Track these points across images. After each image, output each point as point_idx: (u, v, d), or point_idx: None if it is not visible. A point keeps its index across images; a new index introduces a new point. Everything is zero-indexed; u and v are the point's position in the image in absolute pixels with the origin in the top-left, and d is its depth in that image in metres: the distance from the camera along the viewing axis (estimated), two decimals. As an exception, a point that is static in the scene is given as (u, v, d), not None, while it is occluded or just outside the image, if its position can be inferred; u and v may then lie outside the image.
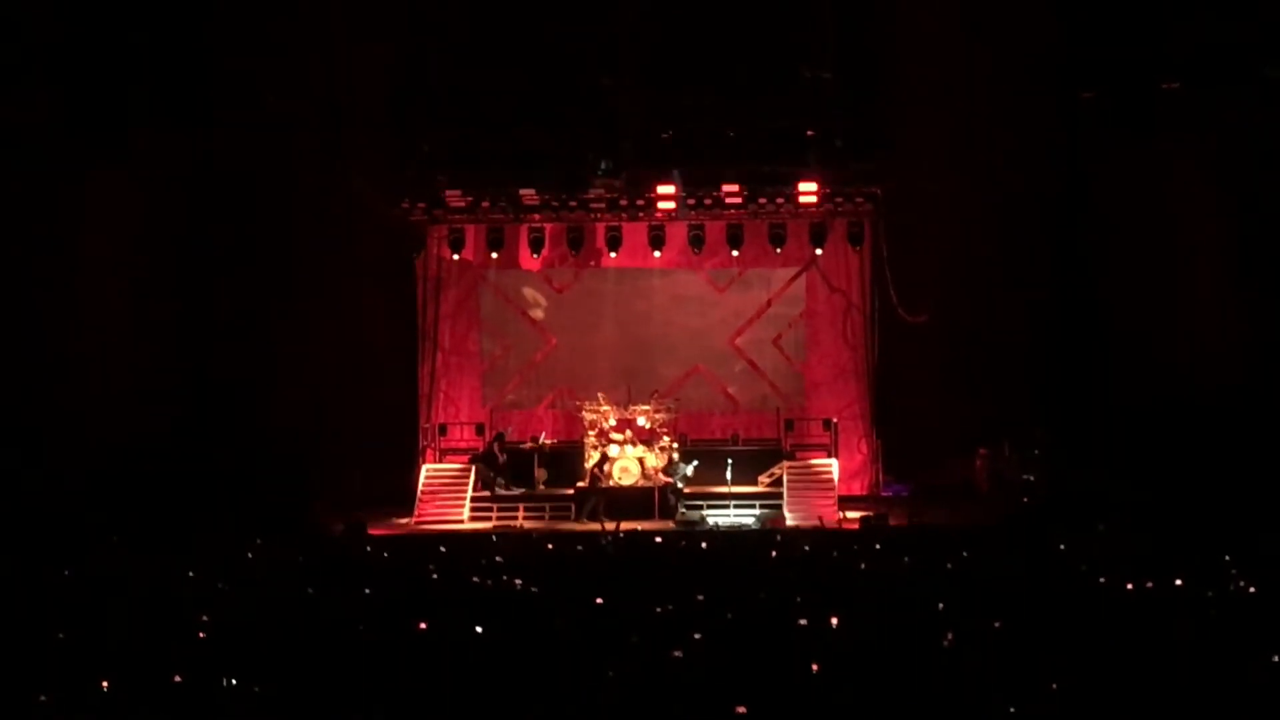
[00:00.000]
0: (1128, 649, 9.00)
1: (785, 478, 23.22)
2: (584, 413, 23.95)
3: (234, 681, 8.55)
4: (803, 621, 10.32)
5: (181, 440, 21.61)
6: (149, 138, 21.70)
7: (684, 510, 22.42)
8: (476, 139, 23.55)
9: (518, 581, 13.14)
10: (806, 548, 16.35)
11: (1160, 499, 18.99)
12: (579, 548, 17.09)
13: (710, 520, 22.19)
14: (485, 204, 24.63)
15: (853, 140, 23.09)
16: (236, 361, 22.76)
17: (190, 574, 14.34)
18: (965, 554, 14.95)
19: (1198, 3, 20.52)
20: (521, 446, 24.26)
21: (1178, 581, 12.32)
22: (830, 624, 10.41)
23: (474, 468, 23.79)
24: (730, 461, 22.86)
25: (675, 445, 23.51)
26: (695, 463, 23.03)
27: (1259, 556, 13.78)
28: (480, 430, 25.10)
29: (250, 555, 16.40)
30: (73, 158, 21.05)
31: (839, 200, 24.23)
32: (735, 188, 23.94)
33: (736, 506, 22.67)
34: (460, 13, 23.55)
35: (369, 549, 17.85)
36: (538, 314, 26.13)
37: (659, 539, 17.85)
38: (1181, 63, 20.68)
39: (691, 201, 24.39)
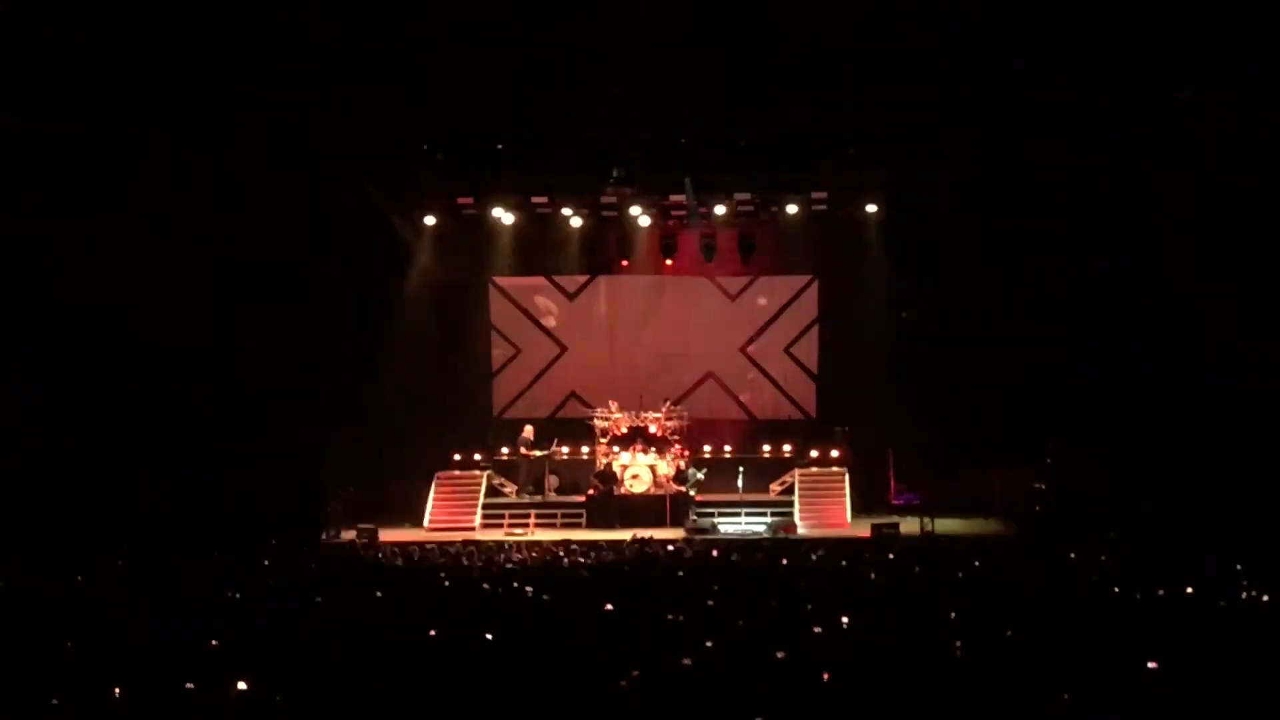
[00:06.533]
0: (1139, 659, 8.97)
1: (797, 486, 23.22)
2: (595, 420, 23.98)
3: (246, 689, 8.56)
4: (817, 629, 10.32)
5: (193, 447, 21.64)
6: (160, 141, 21.73)
7: (695, 518, 22.40)
8: (489, 146, 23.58)
9: (528, 589, 13.15)
10: (815, 556, 16.35)
11: (1172, 508, 18.94)
12: (591, 555, 17.12)
13: (721, 529, 22.19)
14: (497, 211, 24.69)
15: (864, 148, 23.09)
16: (248, 367, 22.79)
17: (203, 582, 14.37)
18: (977, 563, 14.93)
19: (1205, 8, 20.45)
20: (533, 454, 24.29)
21: (1189, 591, 12.29)
22: (841, 633, 10.42)
23: (485, 474, 23.88)
24: (742, 469, 22.86)
25: (686, 453, 23.51)
26: (704, 470, 22.99)
27: (1271, 565, 13.74)
28: (492, 438, 25.11)
29: (263, 563, 16.43)
30: (83, 159, 21.09)
31: (851, 208, 24.23)
32: (747, 195, 23.98)
33: (748, 514, 22.65)
34: (474, 21, 23.58)
35: (381, 556, 17.88)
36: (550, 321, 26.18)
37: (670, 546, 17.88)
38: (1192, 67, 20.63)
39: (703, 209, 24.42)
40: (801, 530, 21.81)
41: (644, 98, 22.35)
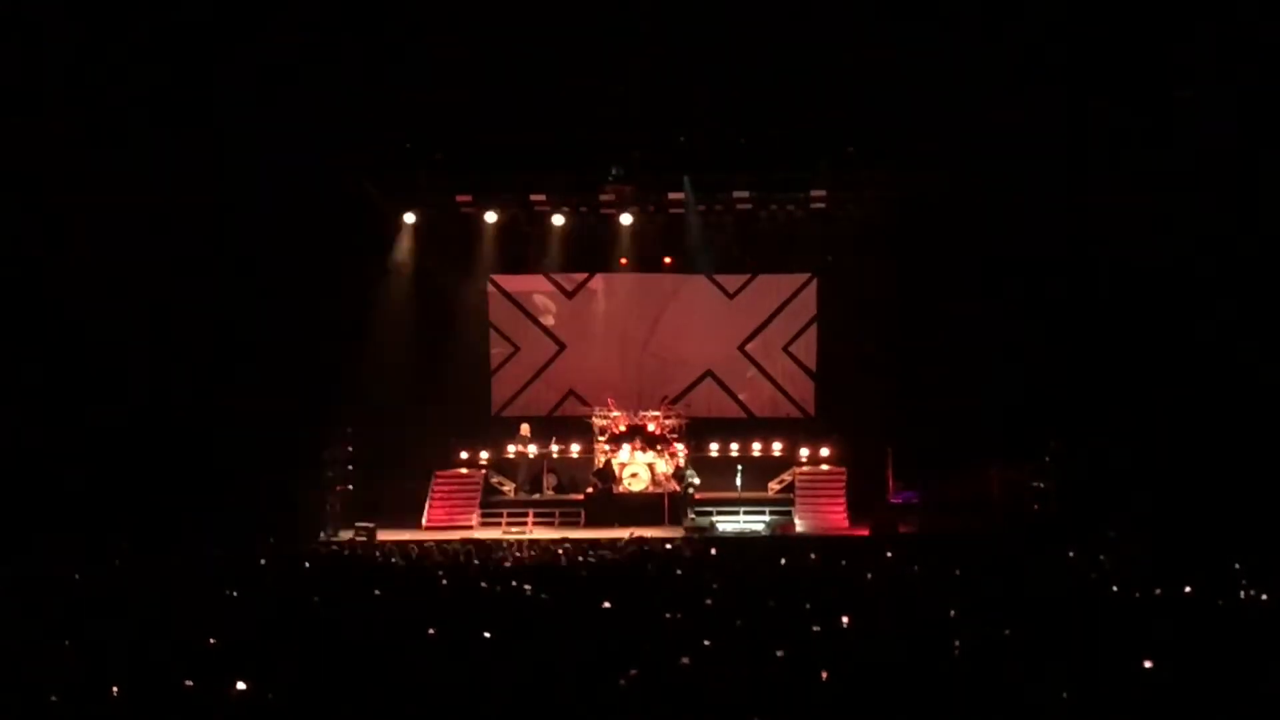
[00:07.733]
0: (1138, 657, 8.97)
1: (795, 484, 23.20)
2: (594, 418, 23.97)
3: (244, 687, 8.56)
4: (816, 629, 10.32)
5: (191, 446, 21.61)
6: (159, 140, 21.68)
7: (694, 516, 22.39)
8: (488, 144, 23.57)
9: (527, 587, 13.15)
10: (813, 555, 16.35)
11: (1171, 507, 18.94)
12: (589, 554, 17.12)
13: (719, 527, 22.17)
14: (496, 209, 24.70)
15: (864, 148, 23.08)
16: (245, 365, 22.75)
17: (202, 581, 14.36)
18: (976, 563, 14.93)
19: (1209, 8, 20.45)
20: (531, 453, 24.28)
21: (1189, 591, 12.30)
22: (839, 632, 10.42)
23: (483, 473, 23.87)
24: (740, 468, 22.84)
25: (685, 451, 23.50)
26: (699, 476, 22.93)
27: (1269, 565, 13.74)
28: (490, 436, 25.09)
29: (263, 563, 16.42)
30: (81, 156, 21.05)
31: (850, 206, 24.24)
32: (746, 193, 23.97)
33: (747, 513, 22.64)
34: (471, 18, 23.56)
35: (379, 555, 17.87)
36: (548, 319, 26.17)
37: (668, 545, 17.88)
38: (1193, 68, 20.62)
39: (702, 208, 24.42)
40: (800, 529, 21.80)
41: (644, 97, 22.34)
